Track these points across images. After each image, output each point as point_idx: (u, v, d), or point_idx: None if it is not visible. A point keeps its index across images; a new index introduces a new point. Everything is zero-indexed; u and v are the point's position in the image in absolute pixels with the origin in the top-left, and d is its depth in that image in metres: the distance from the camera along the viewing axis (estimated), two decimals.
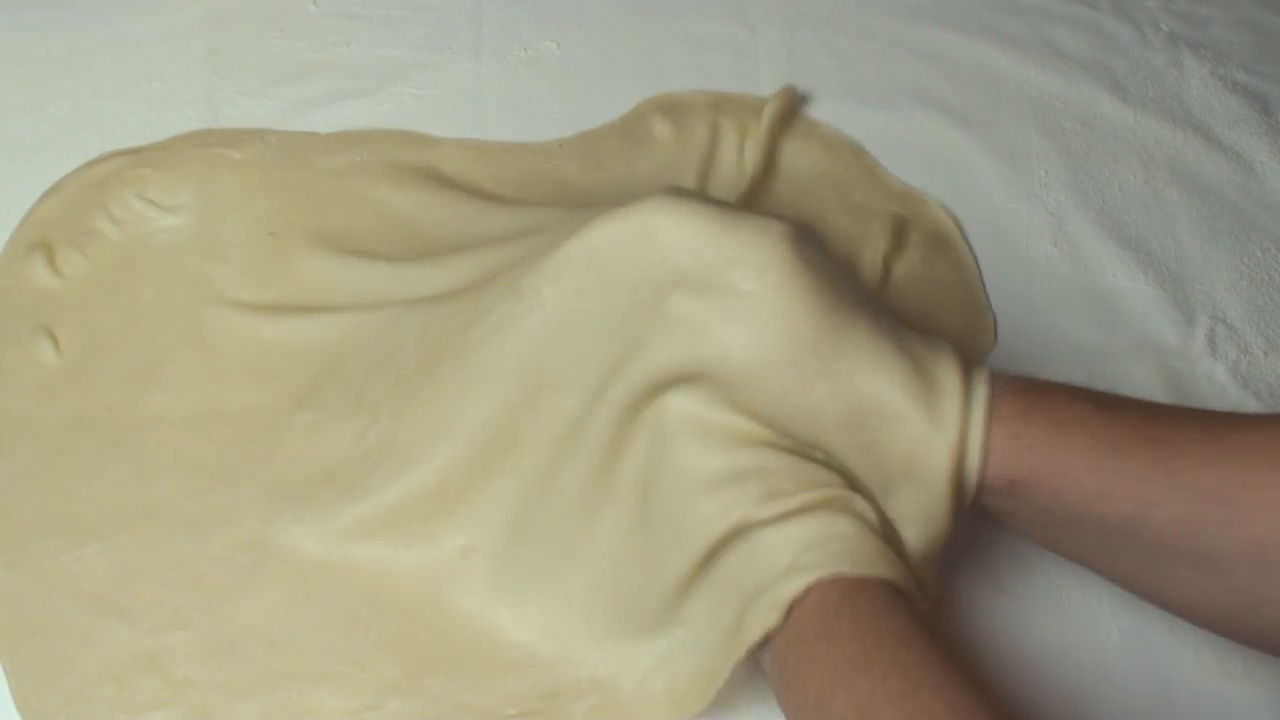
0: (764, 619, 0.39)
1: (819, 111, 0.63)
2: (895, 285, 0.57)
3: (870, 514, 0.41)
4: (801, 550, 0.40)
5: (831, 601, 0.39)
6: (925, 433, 0.41)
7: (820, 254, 0.43)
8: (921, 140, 0.63)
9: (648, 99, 0.62)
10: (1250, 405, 0.55)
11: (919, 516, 0.42)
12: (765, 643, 0.40)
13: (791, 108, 0.62)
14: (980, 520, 0.51)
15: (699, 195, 0.43)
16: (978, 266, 0.58)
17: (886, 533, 0.42)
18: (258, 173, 0.57)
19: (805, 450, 0.42)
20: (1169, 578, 0.41)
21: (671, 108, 0.61)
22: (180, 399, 0.51)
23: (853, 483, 0.42)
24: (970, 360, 0.43)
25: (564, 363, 0.44)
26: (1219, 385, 0.56)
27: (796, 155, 0.61)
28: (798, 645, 0.39)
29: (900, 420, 0.41)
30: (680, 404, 0.42)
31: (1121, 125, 0.64)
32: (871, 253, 0.57)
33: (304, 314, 0.52)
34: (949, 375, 0.42)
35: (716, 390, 0.41)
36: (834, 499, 0.41)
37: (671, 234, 0.42)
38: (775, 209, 0.58)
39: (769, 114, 0.60)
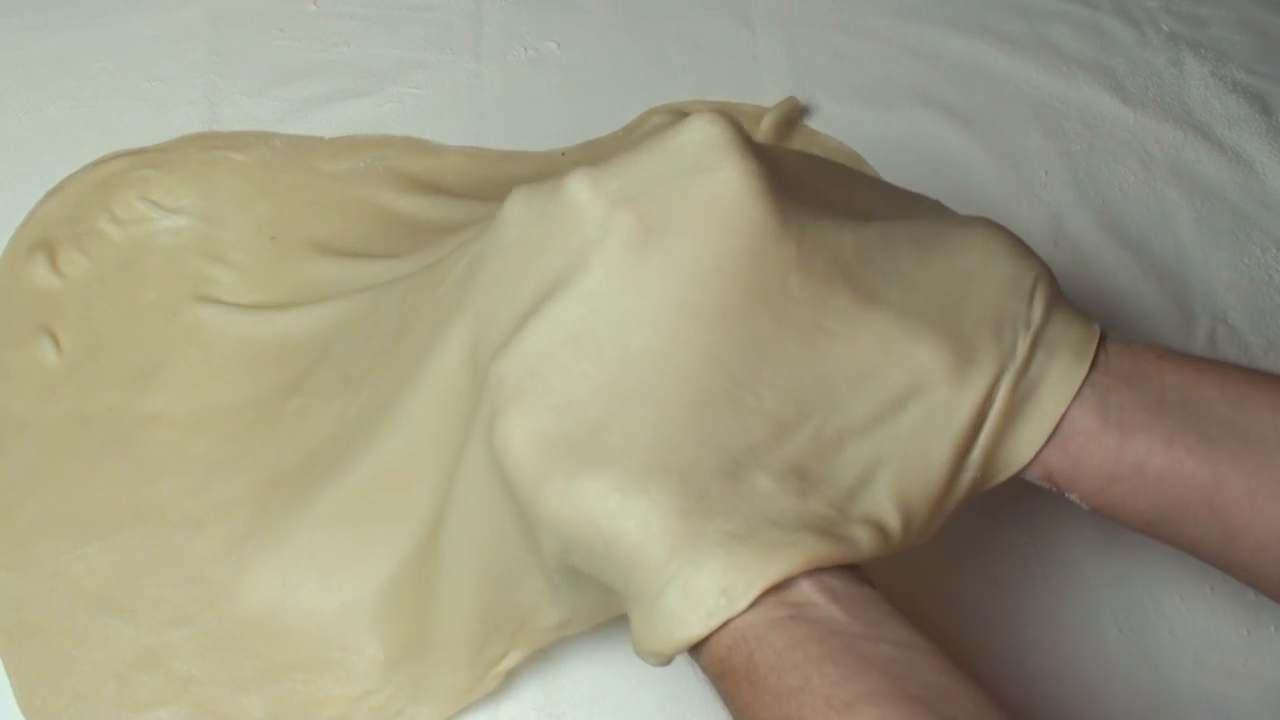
0: (654, 646, 0.35)
1: (819, 112, 0.63)
2: None
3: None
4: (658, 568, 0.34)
5: (724, 648, 0.34)
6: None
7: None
8: (921, 140, 0.63)
9: (652, 107, 0.62)
10: None
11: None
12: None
13: (791, 118, 0.62)
14: (976, 515, 0.51)
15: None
16: None
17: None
18: (261, 176, 0.57)
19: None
20: None
21: (676, 116, 0.61)
22: (180, 399, 0.51)
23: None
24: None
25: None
26: None
27: None
28: (715, 679, 0.35)
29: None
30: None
31: (1121, 125, 0.64)
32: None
33: (298, 308, 0.52)
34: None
35: None
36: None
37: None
38: None
39: (767, 123, 0.60)
